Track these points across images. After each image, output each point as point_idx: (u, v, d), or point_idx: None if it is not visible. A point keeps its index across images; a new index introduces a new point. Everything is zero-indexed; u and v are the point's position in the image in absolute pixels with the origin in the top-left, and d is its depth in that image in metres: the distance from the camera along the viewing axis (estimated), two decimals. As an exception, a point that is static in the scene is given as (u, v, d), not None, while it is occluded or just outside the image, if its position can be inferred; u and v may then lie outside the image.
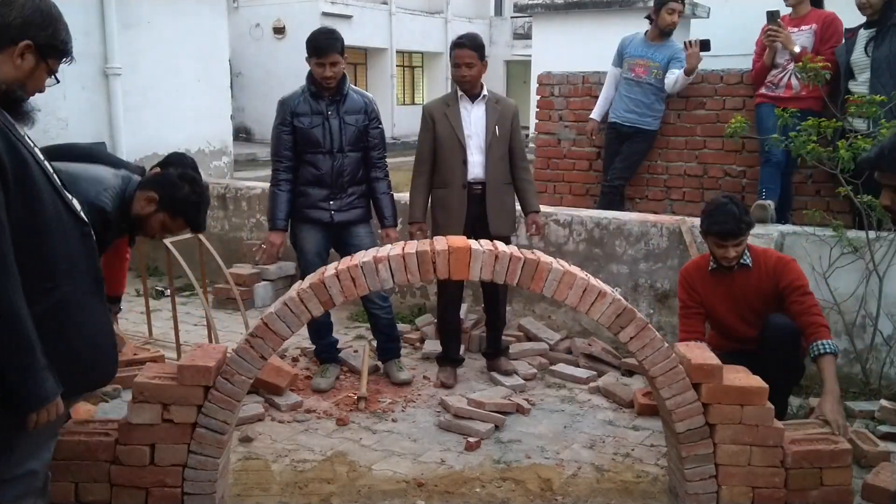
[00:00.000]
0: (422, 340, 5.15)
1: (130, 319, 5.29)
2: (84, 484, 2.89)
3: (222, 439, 2.87)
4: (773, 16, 5.30)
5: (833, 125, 4.29)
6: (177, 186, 2.95)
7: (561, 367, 4.67)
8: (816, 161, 4.42)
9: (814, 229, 4.51)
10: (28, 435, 2.04)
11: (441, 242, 2.98)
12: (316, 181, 4.32)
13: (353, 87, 4.45)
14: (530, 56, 14.33)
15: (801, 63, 4.73)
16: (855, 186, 4.19)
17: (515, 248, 3.02)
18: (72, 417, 3.00)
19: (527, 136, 9.44)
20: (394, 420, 4.01)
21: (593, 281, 2.98)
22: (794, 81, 5.25)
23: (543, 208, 4.81)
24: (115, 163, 3.32)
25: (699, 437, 2.93)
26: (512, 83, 30.93)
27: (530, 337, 5.07)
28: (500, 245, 3.04)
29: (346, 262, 2.99)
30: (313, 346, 4.67)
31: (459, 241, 3.00)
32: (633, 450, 3.68)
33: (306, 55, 4.25)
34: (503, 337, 4.75)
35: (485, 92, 4.44)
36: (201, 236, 4.96)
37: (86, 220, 2.20)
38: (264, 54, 23.55)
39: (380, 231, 4.54)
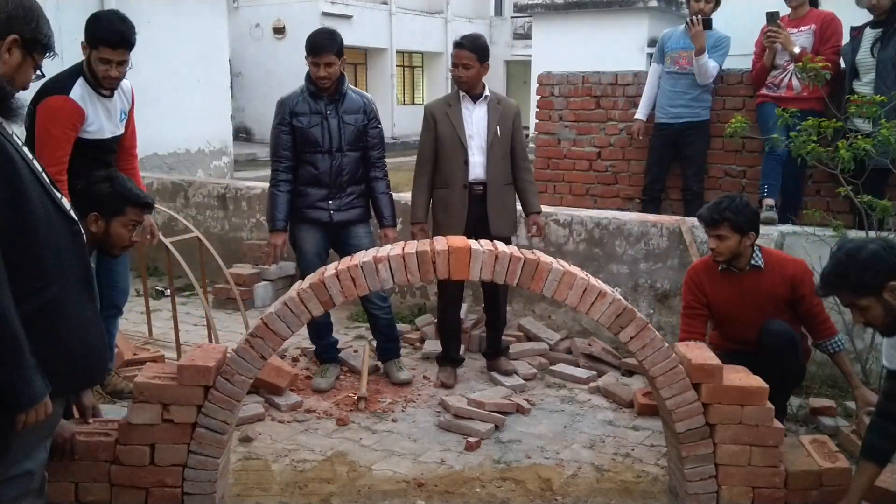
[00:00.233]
0: (422, 340, 5.15)
1: (130, 319, 5.28)
2: (84, 484, 2.89)
3: (222, 439, 2.87)
4: (772, 16, 5.29)
5: (833, 125, 4.29)
6: (99, 192, 2.95)
7: (561, 367, 4.67)
8: (816, 161, 4.42)
9: (814, 229, 4.51)
10: (21, 435, 2.04)
11: (441, 242, 2.98)
12: (315, 181, 4.31)
13: (352, 86, 4.46)
14: (530, 56, 14.34)
15: (801, 63, 4.72)
16: (855, 186, 4.19)
17: (515, 248, 3.02)
18: (74, 416, 2.99)
19: (527, 136, 9.44)
20: (394, 420, 4.01)
21: (593, 281, 2.98)
22: (794, 82, 5.25)
23: (543, 208, 4.81)
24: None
25: (699, 437, 2.93)
26: (512, 83, 30.92)
27: (530, 337, 5.07)
28: (500, 245, 3.04)
29: (346, 262, 2.99)
30: (313, 346, 4.67)
31: (459, 241, 3.00)
32: (633, 450, 3.68)
33: (305, 54, 4.26)
34: (503, 337, 4.75)
35: (486, 92, 4.44)
36: (201, 236, 4.97)
37: (75, 217, 2.20)
38: (264, 54, 23.56)
39: (379, 231, 4.54)
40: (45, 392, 2.01)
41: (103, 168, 3.39)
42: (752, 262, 3.61)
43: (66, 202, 2.18)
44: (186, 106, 8.27)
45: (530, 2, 14.34)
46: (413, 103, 28.51)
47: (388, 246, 3.11)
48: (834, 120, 4.30)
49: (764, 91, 5.48)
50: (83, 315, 2.20)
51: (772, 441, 2.94)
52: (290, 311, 2.89)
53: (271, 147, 4.39)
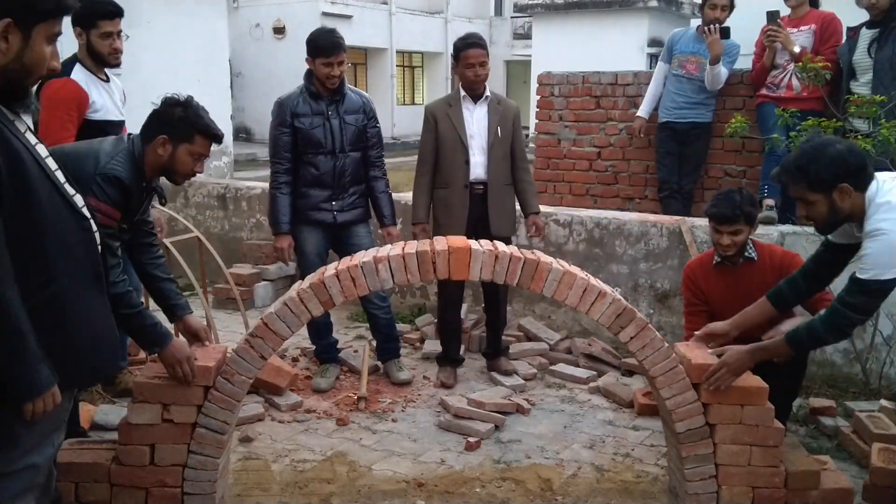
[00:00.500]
0: (422, 340, 5.15)
1: (130, 319, 5.28)
2: (84, 484, 2.89)
3: (222, 439, 2.87)
4: (772, 16, 5.29)
5: (833, 125, 4.28)
6: (171, 115, 2.88)
7: (561, 367, 4.67)
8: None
9: (813, 229, 4.50)
10: (31, 429, 2.04)
11: (441, 242, 2.98)
12: (317, 182, 4.30)
13: (350, 86, 4.46)
14: (530, 56, 14.33)
15: (800, 63, 4.72)
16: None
17: (515, 248, 3.02)
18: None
19: (527, 136, 9.45)
20: (394, 420, 4.01)
21: (593, 281, 2.98)
22: (794, 82, 5.25)
23: (543, 208, 4.82)
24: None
25: (699, 437, 2.93)
26: (512, 83, 30.93)
27: (530, 337, 5.07)
28: (500, 245, 3.04)
29: (346, 262, 2.99)
30: (313, 346, 4.67)
31: (459, 241, 3.00)
32: (633, 450, 3.69)
33: (307, 55, 4.24)
34: (503, 337, 4.75)
35: (487, 93, 4.44)
36: (201, 236, 4.97)
37: (86, 214, 2.20)
38: (264, 54, 23.56)
39: (380, 231, 4.53)
40: (52, 382, 2.01)
41: None
42: (746, 254, 3.63)
43: (78, 199, 2.18)
44: (186, 106, 8.28)
45: (530, 2, 14.34)
46: (413, 103, 28.51)
47: (388, 246, 3.11)
48: (834, 120, 4.30)
49: (764, 91, 5.47)
50: (92, 310, 2.20)
51: (772, 441, 2.94)
52: (290, 311, 2.89)
53: (271, 148, 4.37)
